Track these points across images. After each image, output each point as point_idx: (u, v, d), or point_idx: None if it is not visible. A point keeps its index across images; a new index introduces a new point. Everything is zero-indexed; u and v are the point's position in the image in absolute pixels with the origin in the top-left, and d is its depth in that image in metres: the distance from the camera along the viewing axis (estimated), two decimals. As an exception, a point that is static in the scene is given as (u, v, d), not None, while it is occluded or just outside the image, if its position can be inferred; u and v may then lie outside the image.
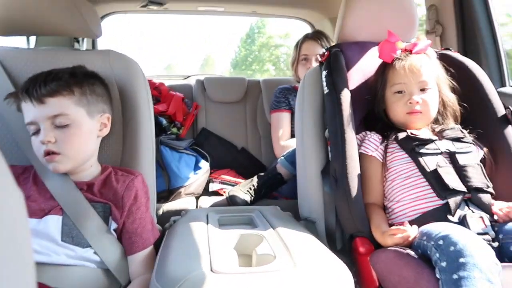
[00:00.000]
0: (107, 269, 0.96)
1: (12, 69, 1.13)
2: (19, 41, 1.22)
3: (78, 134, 0.97)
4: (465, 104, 1.19)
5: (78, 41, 1.73)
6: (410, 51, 1.16)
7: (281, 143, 1.98)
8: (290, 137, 2.00)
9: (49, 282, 0.88)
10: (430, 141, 1.09)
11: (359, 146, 1.17)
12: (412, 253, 0.87)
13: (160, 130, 2.02)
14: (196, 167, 1.96)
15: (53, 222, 0.94)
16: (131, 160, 1.14)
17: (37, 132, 0.95)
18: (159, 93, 2.15)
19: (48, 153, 0.94)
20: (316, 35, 2.00)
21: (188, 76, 2.78)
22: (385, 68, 1.18)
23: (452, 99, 1.18)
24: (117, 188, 1.01)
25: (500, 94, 1.38)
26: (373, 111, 1.22)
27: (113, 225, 0.99)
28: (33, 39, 1.78)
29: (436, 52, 1.28)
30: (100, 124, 1.04)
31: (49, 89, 0.94)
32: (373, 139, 1.16)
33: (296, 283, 0.74)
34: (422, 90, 1.13)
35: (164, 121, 2.07)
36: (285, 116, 2.01)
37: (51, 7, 1.08)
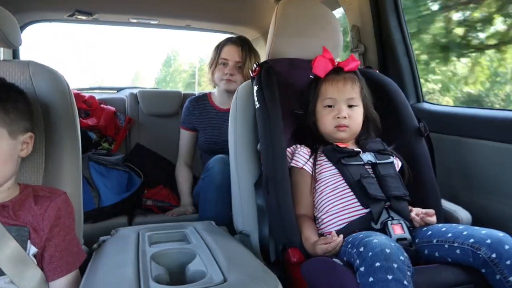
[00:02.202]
0: None
1: None
2: None
3: (3, 151, 0.90)
4: (384, 123, 1.28)
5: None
6: (343, 69, 1.23)
7: (177, 169, 2.00)
8: (193, 155, 2.02)
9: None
10: (354, 153, 1.16)
11: (290, 159, 1.21)
12: (338, 261, 0.91)
13: (90, 145, 1.93)
14: (129, 184, 1.89)
15: None
16: (55, 179, 1.07)
17: None
18: (88, 106, 2.05)
19: None
20: (240, 41, 1.88)
21: (121, 89, 2.69)
22: (317, 83, 1.24)
23: (375, 116, 1.27)
24: (36, 209, 0.93)
25: (416, 109, 1.52)
26: (303, 125, 1.27)
27: (33, 250, 0.92)
28: None
29: (359, 69, 1.38)
30: (22, 144, 0.96)
31: None
32: (303, 152, 1.20)
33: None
34: (350, 106, 1.20)
35: (94, 136, 1.99)
36: (185, 135, 1.99)
37: None
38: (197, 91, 2.34)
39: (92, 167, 1.76)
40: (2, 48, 1.15)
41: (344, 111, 1.19)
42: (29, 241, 0.91)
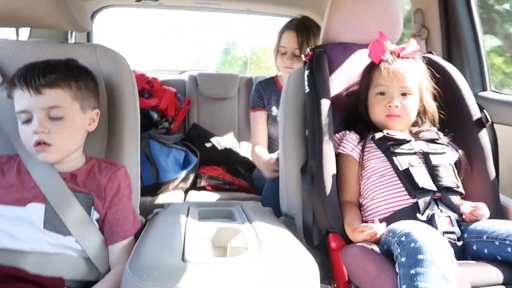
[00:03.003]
0: (87, 258, 0.99)
1: (0, 60, 1.16)
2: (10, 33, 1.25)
3: (71, 127, 0.99)
4: (442, 112, 1.22)
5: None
6: (398, 55, 1.18)
7: (256, 149, 1.91)
8: (267, 138, 1.94)
9: (30, 269, 0.91)
10: (405, 141, 1.12)
11: (338, 145, 1.20)
12: (376, 248, 0.91)
13: (151, 124, 2.05)
14: (185, 162, 2.00)
15: (36, 210, 0.97)
16: (116, 154, 1.17)
17: (27, 121, 0.97)
18: (151, 87, 2.18)
19: (39, 143, 0.96)
20: (297, 28, 1.84)
21: (183, 72, 2.81)
22: (371, 69, 1.20)
23: (432, 107, 1.20)
24: (100, 179, 1.04)
25: (481, 98, 1.42)
26: (355, 111, 1.25)
27: (95, 215, 1.02)
28: (26, 31, 1.80)
29: (419, 55, 1.31)
30: (90, 119, 1.06)
31: (48, 81, 0.95)
32: (351, 138, 1.19)
33: (262, 274, 0.78)
34: (404, 94, 1.15)
35: (156, 115, 2.11)
36: (259, 115, 1.94)
37: (39, 0, 1.11)
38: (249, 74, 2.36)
39: (153, 145, 1.88)
40: (74, 32, 1.25)
41: (396, 100, 1.14)
42: (93, 207, 1.02)
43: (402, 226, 0.88)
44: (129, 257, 0.88)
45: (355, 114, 1.25)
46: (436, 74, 1.23)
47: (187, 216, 1.10)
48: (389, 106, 1.14)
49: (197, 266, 0.78)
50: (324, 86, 1.18)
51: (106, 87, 1.18)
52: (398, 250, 0.82)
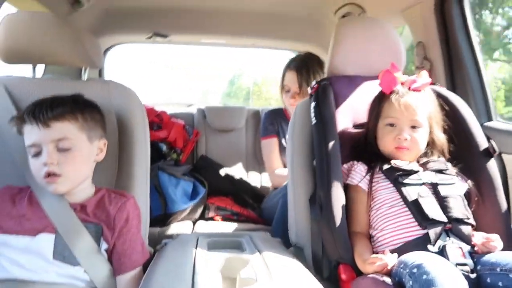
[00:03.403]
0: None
1: (16, 96, 1.20)
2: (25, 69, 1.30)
3: (79, 157, 1.02)
4: (452, 143, 1.21)
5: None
6: (409, 87, 1.18)
7: (276, 171, 1.99)
8: (282, 163, 2.00)
9: (38, 300, 0.91)
10: (413, 172, 1.12)
11: (346, 176, 1.20)
12: (388, 280, 0.90)
13: (160, 156, 2.08)
14: (194, 193, 2.01)
15: (46, 241, 0.98)
16: (125, 183, 1.19)
17: (37, 154, 1.00)
18: (160, 120, 2.22)
19: (49, 175, 0.98)
20: (297, 68, 1.94)
21: (191, 105, 2.87)
22: (381, 99, 1.20)
23: (442, 139, 1.20)
24: (110, 209, 1.05)
25: (487, 128, 1.43)
26: (364, 142, 1.25)
27: (104, 246, 1.03)
28: (41, 66, 1.87)
29: None
30: (97, 149, 1.09)
31: (55, 114, 1.00)
32: (359, 169, 1.19)
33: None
34: (413, 127, 1.15)
35: (164, 147, 2.14)
36: (273, 142, 2.01)
37: (56, 39, 1.16)
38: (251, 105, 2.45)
39: (161, 176, 1.90)
40: (88, 68, 1.31)
41: (406, 132, 1.14)
42: (102, 238, 1.02)
43: (413, 257, 0.87)
44: (138, 288, 0.88)
45: (363, 144, 1.25)
46: (445, 106, 1.23)
47: (196, 247, 1.10)
48: (399, 138, 1.14)
49: (207, 297, 0.77)
50: (330, 118, 1.21)
51: (118, 120, 1.21)
52: (410, 282, 0.81)
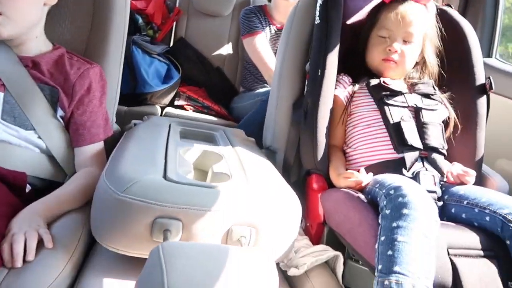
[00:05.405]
0: (53, 157, 0.92)
1: None
2: None
3: (30, 2, 0.89)
4: (443, 73, 1.17)
5: None
6: None
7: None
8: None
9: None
10: (400, 93, 1.08)
11: None
12: (362, 197, 0.90)
13: (134, 28, 1.88)
14: (167, 77, 1.89)
15: None
16: (96, 52, 1.06)
17: None
18: (139, -12, 1.97)
19: None
20: None
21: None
22: (380, 8, 1.13)
23: (433, 61, 1.16)
24: (70, 73, 0.94)
25: (484, 64, 1.38)
26: (352, 52, 1.17)
27: (60, 112, 0.94)
28: None
29: (437, 6, 1.23)
30: None
31: None
32: (343, 80, 1.14)
33: (247, 203, 0.75)
34: (405, 41, 1.10)
35: (140, 20, 1.93)
36: (262, 37, 1.83)
37: None
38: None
39: (135, 51, 1.74)
40: None
41: (397, 45, 1.08)
42: (58, 103, 0.93)
43: (391, 179, 0.87)
44: (105, 166, 0.83)
45: (351, 55, 1.17)
46: (444, 31, 1.16)
47: (168, 133, 1.04)
48: (389, 50, 1.09)
49: (180, 186, 0.73)
50: (337, 21, 1.09)
51: None
52: (385, 202, 0.81)
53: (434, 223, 0.78)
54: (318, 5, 1.14)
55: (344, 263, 0.92)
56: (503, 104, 1.37)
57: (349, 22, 1.18)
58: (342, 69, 1.16)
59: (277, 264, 0.92)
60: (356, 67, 1.16)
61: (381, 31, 1.11)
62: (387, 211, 0.79)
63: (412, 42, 1.10)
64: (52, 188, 0.88)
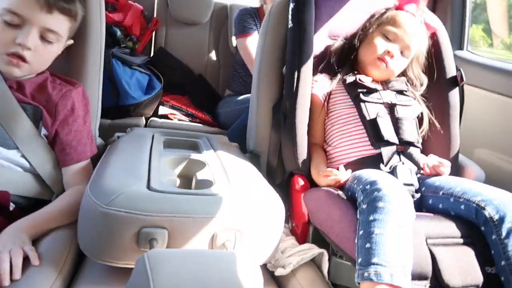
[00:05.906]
0: (38, 175, 0.93)
1: None
2: None
3: (54, 53, 0.96)
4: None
5: None
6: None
7: None
8: None
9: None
10: (375, 90, 1.11)
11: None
12: (342, 194, 0.93)
13: (113, 41, 1.89)
14: (149, 87, 1.90)
15: None
16: (74, 69, 1.07)
17: (13, 25, 0.87)
18: (116, 0, 1.98)
19: (17, 56, 0.88)
20: None
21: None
22: (391, 10, 1.15)
23: (419, 79, 1.19)
24: (52, 95, 0.96)
25: (455, 57, 1.42)
26: (343, 46, 1.19)
27: (43, 131, 0.95)
28: None
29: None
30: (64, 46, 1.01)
31: (65, 6, 0.92)
32: (321, 79, 1.16)
33: (230, 207, 0.77)
34: (402, 53, 1.13)
35: (119, 32, 1.94)
36: (250, 41, 1.85)
37: None
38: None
39: (115, 64, 1.75)
40: None
41: (397, 51, 1.11)
42: (41, 122, 0.94)
43: (367, 174, 0.90)
44: (89, 180, 0.84)
45: (341, 49, 1.19)
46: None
47: (151, 144, 1.06)
48: (388, 51, 1.11)
49: (164, 195, 0.75)
50: (309, 24, 1.12)
51: None
52: (362, 197, 0.84)
53: (409, 215, 0.81)
54: (290, 8, 1.17)
55: (329, 260, 0.94)
56: (477, 95, 1.42)
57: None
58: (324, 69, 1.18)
59: (265, 265, 0.95)
60: (342, 60, 1.18)
61: (388, 33, 1.12)
62: (364, 206, 0.82)
63: (406, 57, 1.14)
64: (40, 206, 0.88)
